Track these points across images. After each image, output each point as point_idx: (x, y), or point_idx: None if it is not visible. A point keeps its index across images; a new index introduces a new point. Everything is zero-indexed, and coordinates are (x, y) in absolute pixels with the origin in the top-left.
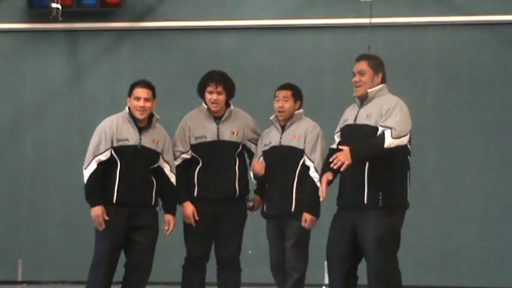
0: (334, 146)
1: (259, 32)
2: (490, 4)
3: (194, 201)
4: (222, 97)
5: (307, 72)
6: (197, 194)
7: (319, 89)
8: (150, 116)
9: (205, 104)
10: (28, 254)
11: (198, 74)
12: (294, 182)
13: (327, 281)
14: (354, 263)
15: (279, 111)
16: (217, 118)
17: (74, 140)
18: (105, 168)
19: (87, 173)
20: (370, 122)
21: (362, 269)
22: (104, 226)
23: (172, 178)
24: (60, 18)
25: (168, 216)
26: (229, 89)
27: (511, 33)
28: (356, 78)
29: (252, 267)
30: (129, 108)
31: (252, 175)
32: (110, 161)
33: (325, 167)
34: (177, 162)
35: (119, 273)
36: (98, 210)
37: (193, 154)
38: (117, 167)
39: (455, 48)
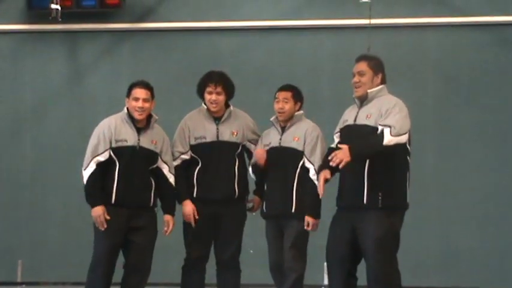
0: (333, 146)
1: (258, 33)
2: (489, 5)
3: (194, 202)
4: (222, 97)
5: (306, 73)
6: (196, 194)
7: (319, 90)
8: (149, 117)
9: (205, 104)
10: (28, 255)
11: (197, 75)
12: (293, 183)
13: (326, 281)
14: (354, 263)
15: (279, 113)
16: (217, 119)
17: (74, 140)
18: (104, 169)
19: (86, 173)
20: (370, 122)
21: (361, 270)
22: (105, 226)
23: (171, 179)
24: (60, 19)
25: (167, 217)
26: (229, 90)
27: (510, 34)
28: (356, 79)
29: (251, 268)
30: (127, 108)
31: (251, 171)
32: (109, 162)
33: (323, 165)
34: (176, 163)
35: (118, 274)
36: (99, 210)
37: (192, 155)
38: (115, 167)
39: (455, 49)
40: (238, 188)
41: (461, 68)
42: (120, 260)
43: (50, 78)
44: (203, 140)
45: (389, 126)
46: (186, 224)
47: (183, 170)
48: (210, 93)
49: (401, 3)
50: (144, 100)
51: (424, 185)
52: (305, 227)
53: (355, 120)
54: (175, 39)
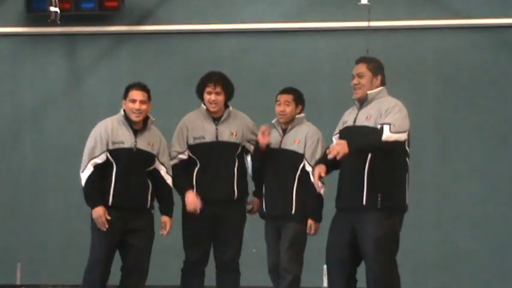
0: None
1: (258, 35)
2: (488, 7)
3: None
4: (221, 97)
5: (305, 76)
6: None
7: (318, 92)
8: (146, 119)
9: (204, 105)
10: (27, 258)
11: (197, 78)
12: (293, 185)
13: (325, 284)
14: (354, 266)
15: (280, 115)
16: (216, 119)
17: (73, 142)
18: (101, 171)
19: (84, 176)
20: (370, 123)
21: (361, 272)
22: (107, 226)
23: (169, 180)
24: (59, 22)
25: (165, 218)
26: (228, 90)
27: (509, 36)
28: (355, 81)
29: (251, 270)
30: (124, 110)
31: (250, 170)
32: (106, 164)
33: (319, 160)
34: (173, 162)
35: (116, 277)
36: (99, 211)
37: (190, 155)
38: (113, 169)
39: (454, 51)
40: (237, 188)
41: (460, 70)
42: (118, 262)
43: (49, 81)
44: (202, 140)
45: (389, 124)
46: (185, 226)
47: (181, 169)
48: (210, 93)
49: (400, 5)
50: (141, 102)
51: (423, 187)
52: (307, 231)
53: (354, 121)
54: (175, 41)
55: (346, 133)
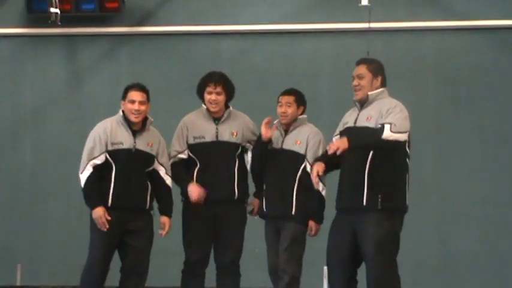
0: None
1: (258, 36)
2: (488, 9)
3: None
4: (221, 97)
5: (306, 77)
6: None
7: (318, 94)
8: (144, 119)
9: (205, 105)
10: (27, 259)
11: (196, 79)
12: (294, 185)
13: (325, 286)
14: (354, 267)
15: (282, 116)
16: (216, 119)
17: (73, 144)
18: (100, 172)
19: (83, 177)
20: (370, 124)
21: (361, 273)
22: (107, 226)
23: (168, 180)
24: (59, 23)
25: (164, 218)
26: (229, 90)
27: (509, 37)
28: (355, 82)
29: (251, 272)
30: (123, 111)
31: (249, 158)
32: (105, 165)
33: (318, 158)
34: (173, 160)
35: (115, 278)
36: (99, 211)
37: (190, 154)
38: (112, 170)
39: (454, 52)
40: (238, 189)
41: (460, 71)
42: (117, 263)
43: (50, 82)
44: (202, 140)
45: (390, 123)
46: (185, 226)
47: (181, 166)
48: (210, 93)
49: (400, 7)
50: (140, 103)
51: (423, 188)
52: (308, 232)
53: (355, 122)
54: (175, 43)
55: (347, 133)
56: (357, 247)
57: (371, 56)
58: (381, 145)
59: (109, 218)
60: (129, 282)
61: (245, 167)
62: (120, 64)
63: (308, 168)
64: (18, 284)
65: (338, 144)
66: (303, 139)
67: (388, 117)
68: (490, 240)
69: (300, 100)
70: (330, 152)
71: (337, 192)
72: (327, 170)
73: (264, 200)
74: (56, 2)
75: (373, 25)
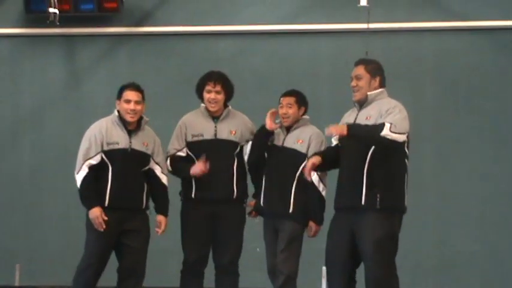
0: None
1: (257, 37)
2: (487, 10)
3: (192, 203)
4: (221, 96)
5: (305, 78)
6: (195, 195)
7: (317, 94)
8: (139, 119)
9: (204, 104)
10: (26, 259)
11: (195, 79)
12: (293, 184)
13: (324, 286)
14: (353, 267)
15: (283, 118)
16: (215, 118)
17: (72, 144)
18: (95, 172)
19: (79, 177)
20: (370, 123)
21: (360, 273)
22: (104, 226)
23: (164, 179)
24: (58, 23)
25: (160, 217)
26: (228, 89)
27: (508, 38)
28: (353, 83)
29: (250, 272)
30: (118, 111)
31: (248, 149)
32: (101, 165)
33: (316, 153)
34: (171, 158)
35: (113, 279)
36: (96, 211)
37: (189, 152)
38: (108, 170)
39: (453, 53)
40: (237, 188)
41: (459, 72)
42: (114, 263)
43: (48, 82)
44: (200, 138)
45: (390, 123)
46: (184, 226)
47: (180, 160)
48: (209, 91)
49: (399, 7)
50: (136, 102)
51: (422, 189)
52: (308, 233)
53: (354, 122)
54: (174, 43)
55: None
56: (356, 247)
57: (370, 57)
58: (378, 141)
59: (106, 218)
60: (127, 282)
61: (244, 166)
62: (119, 64)
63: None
64: (16, 284)
65: (337, 127)
66: (305, 138)
67: (388, 117)
68: (489, 240)
69: (301, 101)
70: (327, 133)
71: (335, 192)
72: (324, 168)
73: (262, 196)
74: (54, 2)
75: (372, 26)
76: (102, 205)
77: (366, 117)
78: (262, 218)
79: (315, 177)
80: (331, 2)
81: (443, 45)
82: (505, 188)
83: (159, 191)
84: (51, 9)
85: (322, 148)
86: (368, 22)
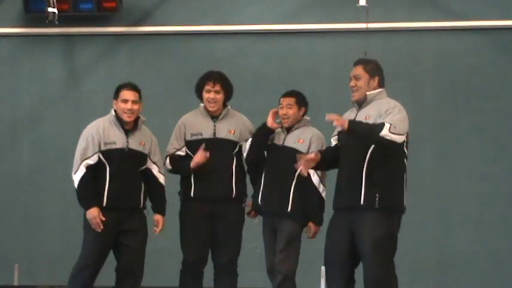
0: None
1: (256, 37)
2: (487, 10)
3: (191, 202)
4: (220, 96)
5: (304, 77)
6: (194, 194)
7: (316, 94)
8: (136, 118)
9: (203, 103)
10: (24, 258)
11: (194, 79)
12: (292, 183)
13: (323, 285)
14: (352, 267)
15: (284, 118)
16: (214, 117)
17: (71, 144)
18: (93, 172)
19: (77, 177)
20: (369, 122)
21: (358, 273)
22: (101, 227)
23: (161, 179)
24: (57, 23)
25: (157, 216)
26: (227, 89)
27: (507, 38)
28: (352, 83)
29: (249, 271)
30: (115, 111)
31: (247, 146)
32: (98, 165)
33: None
34: (170, 156)
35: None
36: (94, 212)
37: (188, 152)
38: (106, 170)
39: (453, 53)
40: (235, 187)
41: (459, 72)
42: (112, 262)
43: (47, 82)
44: (199, 137)
45: (390, 124)
46: (183, 226)
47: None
48: (209, 91)
49: (398, 7)
50: (133, 102)
51: (421, 188)
52: (307, 235)
53: None
54: (173, 43)
55: (345, 134)
56: (355, 247)
57: (369, 57)
58: (377, 141)
59: (103, 218)
60: (125, 282)
61: (243, 166)
62: (118, 64)
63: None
64: (15, 283)
65: (339, 118)
66: (306, 139)
67: (387, 117)
68: (487, 240)
69: (301, 102)
70: (327, 119)
71: (334, 192)
72: (323, 167)
73: (260, 195)
74: (53, 1)
75: (371, 25)
76: (99, 205)
77: (365, 117)
78: (261, 218)
79: (315, 178)
80: (330, 2)
81: (442, 45)
82: (504, 188)
83: (156, 191)
84: (50, 9)
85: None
86: (367, 22)
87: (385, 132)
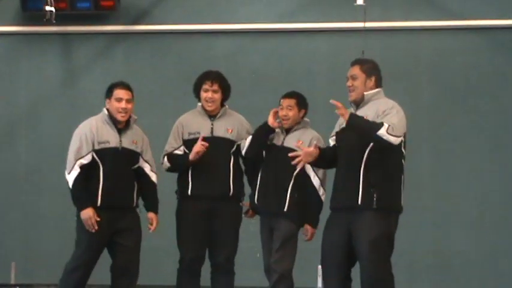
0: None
1: (253, 36)
2: (484, 9)
3: (188, 200)
4: (218, 95)
5: (301, 77)
6: (191, 192)
7: (314, 93)
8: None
9: (201, 103)
10: (21, 257)
11: (192, 78)
12: (290, 183)
13: (320, 284)
14: (349, 266)
15: (284, 120)
16: (212, 116)
17: (68, 143)
18: (86, 172)
19: (71, 177)
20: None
21: (355, 272)
22: (96, 227)
23: (153, 177)
24: (54, 21)
25: (151, 214)
26: (225, 88)
27: (505, 37)
28: (349, 83)
29: (246, 271)
30: (107, 109)
31: (247, 143)
32: (91, 164)
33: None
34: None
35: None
36: (89, 212)
37: (186, 151)
38: (99, 170)
39: (450, 52)
40: (233, 185)
41: (456, 71)
42: (107, 261)
43: (45, 80)
44: (197, 135)
45: (388, 125)
46: (179, 224)
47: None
48: (206, 90)
49: (396, 6)
50: (127, 101)
51: (419, 188)
52: (304, 238)
53: None
54: (170, 41)
55: (343, 133)
56: (352, 247)
57: (366, 56)
58: (375, 140)
59: (98, 219)
60: (120, 281)
61: (240, 166)
62: (116, 62)
63: (306, 168)
64: (12, 282)
65: (342, 107)
66: (306, 140)
67: (385, 118)
68: (484, 240)
69: (302, 103)
70: (332, 101)
71: (332, 192)
72: (321, 165)
73: (256, 194)
74: (51, 0)
75: (369, 24)
76: (94, 205)
77: (363, 116)
78: (258, 217)
79: (316, 180)
80: (327, 1)
81: (440, 44)
82: (502, 187)
83: (148, 189)
84: (47, 7)
85: None
86: (364, 21)
87: (382, 132)
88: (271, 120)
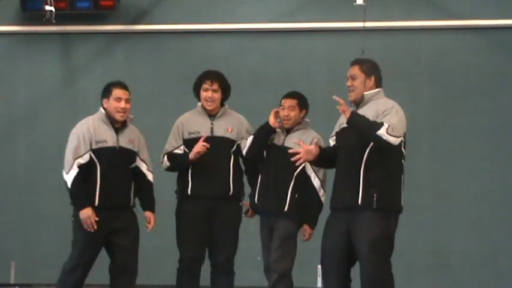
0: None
1: (253, 35)
2: (483, 8)
3: (188, 200)
4: (218, 95)
5: (301, 76)
6: (191, 192)
7: (313, 93)
8: None
9: (200, 102)
10: (21, 257)
11: (191, 78)
12: (290, 183)
13: (319, 284)
14: (348, 266)
15: (285, 120)
16: (212, 116)
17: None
18: (84, 171)
19: (70, 177)
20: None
21: (355, 272)
22: (95, 227)
23: (150, 176)
24: (54, 21)
25: (148, 213)
26: (225, 88)
27: (504, 37)
28: (348, 83)
29: (246, 270)
30: (105, 109)
31: (248, 143)
32: (89, 164)
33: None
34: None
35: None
36: (88, 212)
37: (186, 150)
38: (96, 169)
39: (449, 52)
40: (233, 185)
41: (455, 71)
42: (106, 261)
43: (44, 80)
44: (197, 135)
45: (388, 125)
46: (179, 224)
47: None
48: (206, 90)
49: (395, 6)
50: (126, 101)
51: (418, 188)
52: (303, 238)
53: None
54: (170, 41)
55: (343, 133)
56: (351, 246)
57: (366, 56)
58: (374, 139)
59: (97, 218)
60: (119, 280)
61: (240, 165)
62: (115, 62)
63: (307, 168)
64: (12, 282)
65: (344, 104)
66: (307, 140)
67: (385, 118)
68: (484, 240)
69: (303, 104)
70: (334, 97)
71: (332, 192)
72: (320, 164)
73: (256, 193)
74: (50, 0)
75: (368, 24)
76: (92, 205)
77: (364, 116)
78: (258, 217)
79: (316, 181)
80: (327, 1)
81: (439, 44)
82: (501, 187)
83: (145, 188)
84: (47, 7)
85: None
86: (364, 21)
87: (382, 132)
88: (272, 120)
